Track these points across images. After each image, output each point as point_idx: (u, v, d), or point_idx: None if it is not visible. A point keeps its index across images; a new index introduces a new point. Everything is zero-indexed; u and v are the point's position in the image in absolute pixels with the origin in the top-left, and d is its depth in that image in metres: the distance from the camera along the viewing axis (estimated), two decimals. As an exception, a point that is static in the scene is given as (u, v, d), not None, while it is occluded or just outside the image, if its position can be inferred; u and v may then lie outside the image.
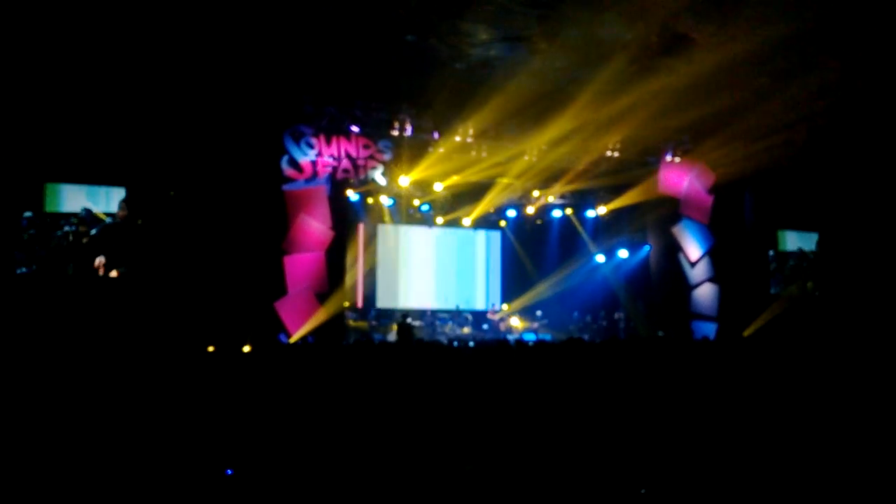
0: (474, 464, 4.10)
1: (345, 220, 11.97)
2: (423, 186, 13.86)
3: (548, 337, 14.33)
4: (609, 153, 12.77)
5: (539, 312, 15.82)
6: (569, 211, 16.08)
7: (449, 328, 15.28)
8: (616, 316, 15.24)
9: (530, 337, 14.00)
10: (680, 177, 13.12)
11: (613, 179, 13.46)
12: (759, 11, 8.79)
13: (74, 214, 9.47)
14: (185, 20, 8.86)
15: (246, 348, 7.88)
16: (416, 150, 12.13)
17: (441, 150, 12.11)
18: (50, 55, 8.95)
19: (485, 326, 15.69)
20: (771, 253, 13.52)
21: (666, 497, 3.98)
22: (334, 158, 11.14)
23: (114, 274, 7.70)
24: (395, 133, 11.59)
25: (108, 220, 9.09)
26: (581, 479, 4.15)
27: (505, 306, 16.32)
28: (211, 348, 8.10)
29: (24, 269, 8.46)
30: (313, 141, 10.93)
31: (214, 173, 10.17)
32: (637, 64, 10.18)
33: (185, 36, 9.13)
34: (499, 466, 4.25)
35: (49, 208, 9.35)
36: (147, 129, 9.77)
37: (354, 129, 11.33)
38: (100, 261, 8.68)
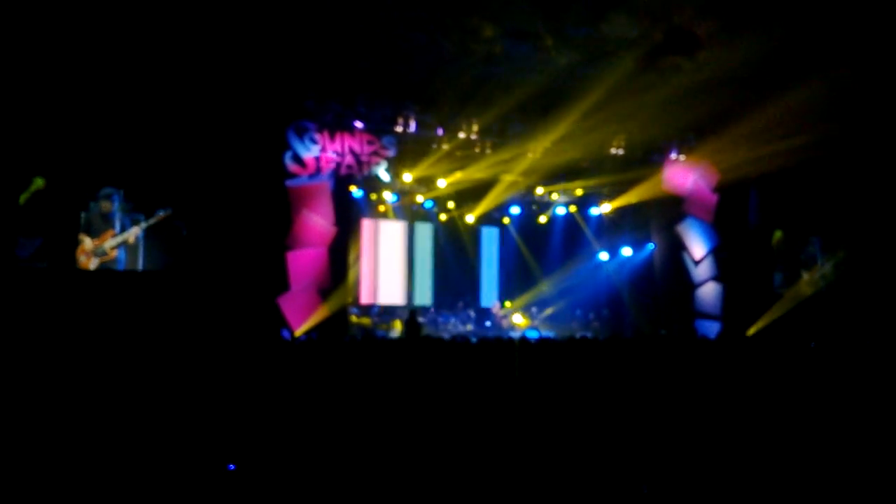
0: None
1: (348, 216, 11.94)
2: (426, 183, 13.82)
3: (551, 334, 14.28)
4: (614, 151, 12.73)
5: (535, 309, 15.79)
6: (573, 208, 16.02)
7: (452, 325, 15.24)
8: (620, 314, 15.19)
9: (533, 334, 13.96)
10: (685, 175, 13.07)
11: (618, 177, 13.41)
12: (765, 13, 8.75)
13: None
14: (188, 13, 8.83)
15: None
16: (420, 146, 12.10)
17: (445, 146, 12.09)
18: (51, 50, 8.93)
19: (487, 323, 15.64)
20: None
21: (668, 495, 3.96)
22: (338, 154, 11.11)
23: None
24: (399, 129, 11.55)
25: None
26: (583, 475, 4.13)
27: (507, 303, 16.26)
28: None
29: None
30: (317, 136, 10.91)
31: (217, 168, 10.15)
32: (643, 62, 10.14)
33: (187, 29, 9.10)
34: (503, 463, 4.23)
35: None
36: (149, 126, 9.75)
37: (358, 124, 11.29)
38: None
